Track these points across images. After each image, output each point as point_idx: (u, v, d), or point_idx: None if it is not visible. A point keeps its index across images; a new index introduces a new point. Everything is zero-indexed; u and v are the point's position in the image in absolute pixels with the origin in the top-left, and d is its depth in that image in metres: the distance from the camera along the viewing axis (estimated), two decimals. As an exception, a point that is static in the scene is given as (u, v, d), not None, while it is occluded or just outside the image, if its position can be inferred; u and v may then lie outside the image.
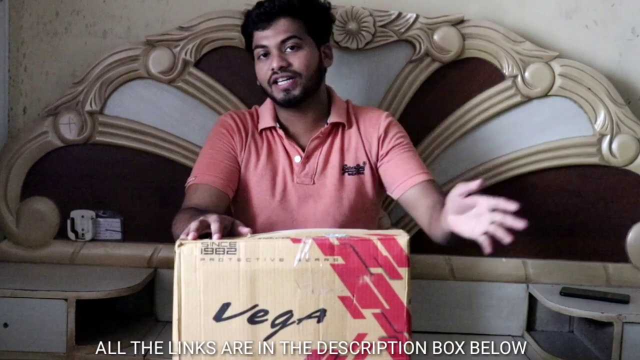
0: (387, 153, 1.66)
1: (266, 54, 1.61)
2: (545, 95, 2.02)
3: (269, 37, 1.60)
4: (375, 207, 1.74)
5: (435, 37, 1.99)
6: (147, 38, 1.99)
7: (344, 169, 1.66)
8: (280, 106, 1.65)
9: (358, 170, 1.67)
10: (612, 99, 2.01)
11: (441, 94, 2.03)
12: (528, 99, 2.02)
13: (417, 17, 1.99)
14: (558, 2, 2.07)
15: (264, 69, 1.61)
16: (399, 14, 1.99)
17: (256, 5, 1.65)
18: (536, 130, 2.03)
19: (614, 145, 2.02)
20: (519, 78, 2.00)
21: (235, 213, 1.71)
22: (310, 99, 1.64)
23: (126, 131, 2.01)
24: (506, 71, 2.01)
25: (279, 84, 1.59)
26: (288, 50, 1.60)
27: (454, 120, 2.03)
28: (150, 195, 2.04)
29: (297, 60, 1.59)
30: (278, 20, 1.60)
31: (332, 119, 1.67)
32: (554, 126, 2.03)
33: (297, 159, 1.66)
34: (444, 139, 2.03)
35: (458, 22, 2.00)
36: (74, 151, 2.02)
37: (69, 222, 2.03)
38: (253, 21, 1.62)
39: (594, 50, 2.08)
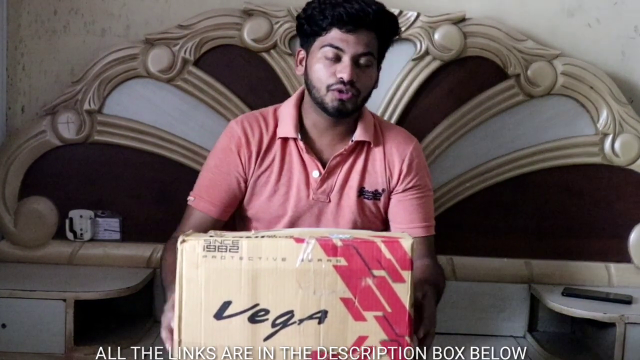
0: (402, 191, 1.58)
1: (335, 57, 1.46)
2: (548, 94, 2.01)
3: (350, 42, 1.45)
4: (387, 230, 1.64)
5: (437, 35, 1.98)
6: (146, 37, 1.98)
7: (361, 192, 1.58)
8: (325, 113, 1.51)
9: (375, 195, 1.58)
10: (614, 97, 2.00)
11: (442, 93, 2.02)
12: (530, 98, 2.01)
13: (418, 15, 1.98)
14: (560, 1, 2.06)
15: (328, 71, 1.47)
16: (400, 12, 1.97)
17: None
18: (538, 129, 2.02)
19: (617, 145, 2.01)
20: (521, 77, 1.99)
21: (244, 228, 1.62)
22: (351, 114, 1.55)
23: (125, 130, 1.99)
24: (508, 70, 2.00)
25: (339, 93, 1.46)
26: (361, 64, 1.47)
27: (456, 120, 2.01)
28: (149, 195, 2.02)
29: (364, 79, 1.49)
30: (365, 31, 1.46)
31: (358, 136, 1.56)
32: (556, 125, 2.02)
33: (315, 174, 1.55)
34: (445, 138, 2.02)
35: (459, 21, 1.99)
36: (73, 150, 2.00)
37: (67, 222, 2.01)
38: (339, 17, 1.45)
39: (596, 48, 2.07)
